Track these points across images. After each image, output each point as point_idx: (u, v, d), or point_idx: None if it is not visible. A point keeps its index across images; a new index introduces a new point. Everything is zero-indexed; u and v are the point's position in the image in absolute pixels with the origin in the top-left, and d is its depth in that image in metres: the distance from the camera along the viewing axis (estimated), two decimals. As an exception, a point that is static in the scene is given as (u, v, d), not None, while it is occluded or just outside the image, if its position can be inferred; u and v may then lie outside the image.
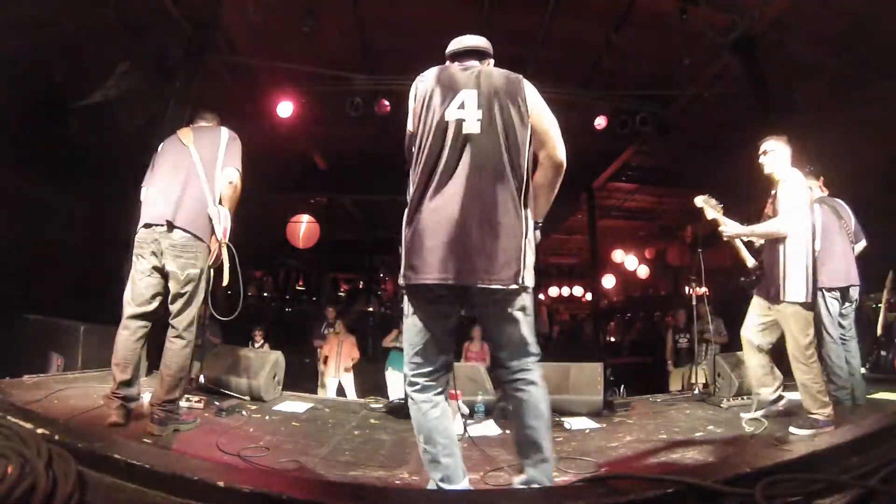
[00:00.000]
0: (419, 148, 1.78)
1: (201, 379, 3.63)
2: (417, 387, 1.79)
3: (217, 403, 3.25)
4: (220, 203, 2.79)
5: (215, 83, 5.35)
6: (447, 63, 2.00)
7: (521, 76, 1.87)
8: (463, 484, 1.76)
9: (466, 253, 1.66)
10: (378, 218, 10.20)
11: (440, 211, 1.70)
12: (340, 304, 8.99)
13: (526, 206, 1.76)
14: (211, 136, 2.86)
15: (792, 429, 2.72)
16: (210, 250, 2.71)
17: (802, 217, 2.89)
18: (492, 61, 2.00)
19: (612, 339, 11.57)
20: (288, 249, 9.26)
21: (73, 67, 4.21)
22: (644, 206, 10.30)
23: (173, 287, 2.66)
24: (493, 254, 1.66)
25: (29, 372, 3.38)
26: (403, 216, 1.79)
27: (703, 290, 4.83)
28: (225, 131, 2.90)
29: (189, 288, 2.65)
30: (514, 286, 1.68)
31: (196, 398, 3.19)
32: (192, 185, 2.69)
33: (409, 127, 1.87)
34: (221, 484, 0.97)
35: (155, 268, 2.67)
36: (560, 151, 1.83)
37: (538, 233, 1.84)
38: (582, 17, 4.89)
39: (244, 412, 3.24)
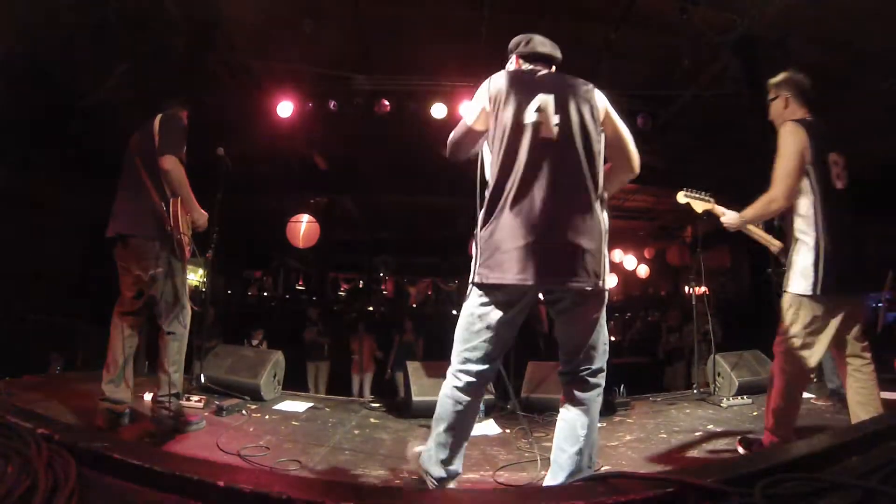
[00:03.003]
0: (495, 150, 1.78)
1: (201, 379, 3.62)
2: (459, 383, 1.77)
3: (217, 403, 3.25)
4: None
5: (215, 83, 5.35)
6: (513, 60, 1.99)
7: (592, 84, 1.87)
8: (457, 466, 1.81)
9: (552, 255, 1.67)
10: (378, 218, 10.20)
11: (524, 213, 1.68)
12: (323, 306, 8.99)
13: (604, 212, 1.79)
14: (147, 131, 2.80)
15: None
16: (174, 244, 2.69)
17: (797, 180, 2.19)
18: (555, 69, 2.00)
19: (613, 339, 11.56)
20: (288, 249, 9.25)
21: (73, 67, 4.21)
22: (644, 206, 10.29)
23: (145, 290, 2.69)
24: (580, 256, 1.68)
25: (29, 372, 3.38)
26: (479, 215, 1.79)
27: (703, 289, 4.83)
28: (160, 117, 2.81)
29: (158, 287, 2.66)
30: (597, 288, 1.71)
31: (196, 398, 3.20)
32: (136, 187, 2.70)
33: (468, 121, 1.87)
34: (221, 484, 0.97)
35: (128, 271, 2.71)
36: (637, 161, 1.89)
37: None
38: (582, 17, 4.88)
39: (244, 412, 3.24)
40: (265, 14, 4.80)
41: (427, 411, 3.31)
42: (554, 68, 1.98)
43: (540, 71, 1.90)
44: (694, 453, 2.59)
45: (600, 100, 1.86)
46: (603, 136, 1.84)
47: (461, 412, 1.76)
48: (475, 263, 1.76)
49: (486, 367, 1.77)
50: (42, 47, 3.87)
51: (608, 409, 3.49)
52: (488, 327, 1.74)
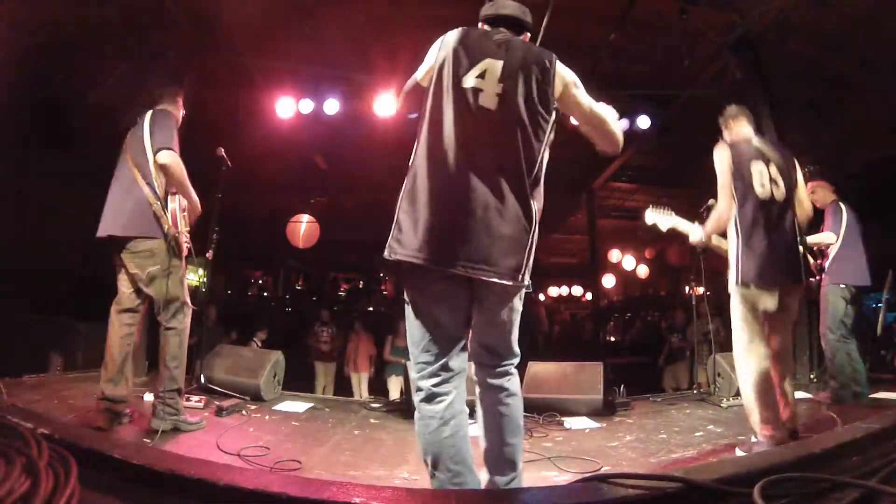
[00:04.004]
0: (426, 110, 1.61)
1: (201, 379, 3.62)
2: (423, 394, 1.55)
3: (217, 403, 3.25)
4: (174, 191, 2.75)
5: (215, 83, 5.35)
6: (479, 25, 1.82)
7: (554, 56, 1.66)
8: None
9: (468, 238, 1.48)
10: (378, 218, 10.19)
11: (439, 186, 1.51)
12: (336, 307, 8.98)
13: (534, 197, 1.59)
14: (136, 129, 2.78)
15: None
16: (171, 242, 2.68)
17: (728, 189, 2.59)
18: (528, 36, 1.81)
19: (612, 339, 11.58)
20: (288, 249, 9.25)
21: (73, 67, 4.20)
22: (644, 206, 10.28)
23: (143, 288, 2.69)
24: (495, 243, 1.49)
25: (29, 372, 3.38)
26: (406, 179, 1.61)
27: (702, 289, 4.83)
28: (149, 114, 2.79)
29: (155, 285, 2.66)
30: (513, 282, 1.52)
31: (196, 398, 3.20)
32: (129, 186, 2.68)
33: (418, 76, 1.72)
34: (221, 484, 0.97)
35: (125, 270, 2.71)
36: (619, 138, 1.71)
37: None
38: (582, 17, 4.88)
39: (244, 412, 3.24)
40: (265, 14, 4.80)
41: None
42: (524, 36, 1.79)
43: (499, 34, 1.70)
44: (694, 453, 2.59)
45: (562, 75, 1.64)
46: (555, 114, 1.63)
47: (447, 437, 1.50)
48: (390, 234, 1.57)
49: (446, 371, 1.56)
50: (42, 47, 3.87)
51: (608, 409, 3.49)
52: (425, 322, 1.57)
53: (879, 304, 4.43)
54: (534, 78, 1.59)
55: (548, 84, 1.61)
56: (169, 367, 2.69)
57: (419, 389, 1.57)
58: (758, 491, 0.91)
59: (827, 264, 3.61)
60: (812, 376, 4.39)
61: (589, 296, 12.89)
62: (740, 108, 2.79)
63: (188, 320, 2.79)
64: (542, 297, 13.11)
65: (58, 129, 4.42)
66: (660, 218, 3.05)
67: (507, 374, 1.66)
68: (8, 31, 3.57)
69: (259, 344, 6.07)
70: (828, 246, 3.61)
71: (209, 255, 3.64)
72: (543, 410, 3.37)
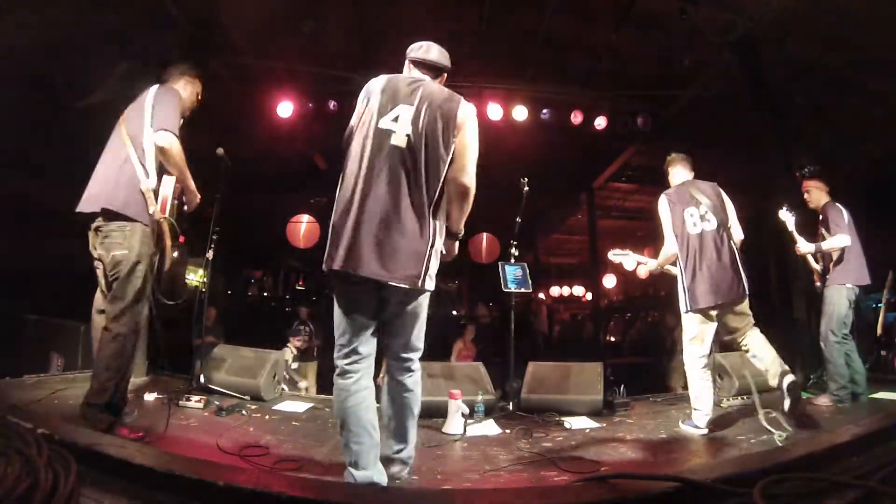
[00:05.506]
0: (352, 146, 1.98)
1: (201, 379, 3.62)
2: (338, 370, 1.93)
3: (217, 403, 3.24)
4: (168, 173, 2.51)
5: (215, 83, 5.35)
6: (406, 64, 2.21)
7: (461, 99, 2.01)
8: (370, 471, 1.88)
9: (371, 250, 1.82)
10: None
11: (355, 209, 1.86)
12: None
13: (436, 218, 1.92)
14: (138, 104, 2.56)
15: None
16: (152, 230, 2.45)
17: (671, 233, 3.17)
18: (445, 76, 2.20)
19: (613, 339, 11.58)
20: (288, 249, 9.25)
21: (73, 67, 4.21)
22: (644, 206, 10.29)
23: (103, 274, 2.44)
24: (396, 255, 1.83)
25: (29, 372, 3.38)
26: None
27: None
28: (153, 89, 2.58)
29: (118, 271, 2.37)
30: (411, 287, 1.85)
31: (196, 398, 3.20)
32: (119, 163, 2.46)
33: (353, 124, 2.05)
34: (221, 484, 0.97)
35: (96, 257, 2.49)
36: (467, 177, 1.97)
37: (456, 243, 2.11)
38: (582, 17, 4.88)
39: (244, 412, 3.24)
40: (265, 14, 4.80)
41: (427, 411, 3.32)
42: (440, 79, 2.17)
43: (418, 81, 2.05)
44: (694, 453, 2.59)
45: (464, 115, 1.98)
46: (453, 148, 1.96)
47: (351, 405, 1.89)
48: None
49: (356, 354, 1.92)
50: (42, 47, 3.88)
51: (608, 409, 3.49)
52: (343, 313, 1.92)
53: (879, 304, 4.44)
54: (439, 120, 1.94)
55: (449, 127, 1.95)
56: (99, 377, 2.32)
57: (337, 367, 1.93)
58: (758, 491, 0.91)
59: (832, 266, 3.60)
60: (812, 377, 4.38)
61: (589, 296, 12.89)
62: (678, 156, 3.36)
63: (138, 324, 2.45)
64: (541, 296, 13.12)
65: (58, 130, 4.43)
66: (621, 257, 3.77)
67: (409, 369, 2.00)
68: (9, 32, 3.57)
69: (294, 352, 5.95)
70: (841, 248, 3.57)
71: (209, 255, 3.64)
72: (543, 410, 3.37)
